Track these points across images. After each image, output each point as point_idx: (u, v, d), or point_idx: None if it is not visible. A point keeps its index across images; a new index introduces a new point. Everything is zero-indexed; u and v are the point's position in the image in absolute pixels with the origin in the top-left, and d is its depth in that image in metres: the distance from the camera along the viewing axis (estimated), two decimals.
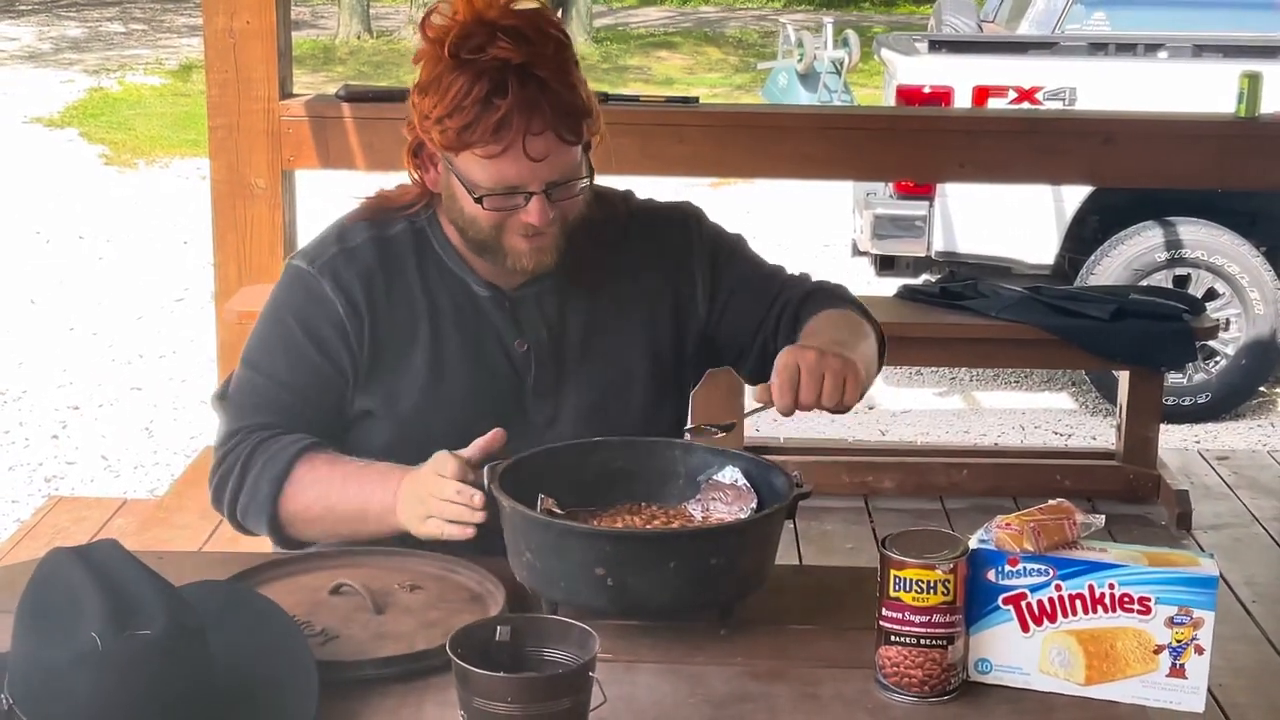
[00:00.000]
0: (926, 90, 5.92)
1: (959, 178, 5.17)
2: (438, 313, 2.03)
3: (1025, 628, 1.67)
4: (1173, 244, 5.83)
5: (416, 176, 2.04)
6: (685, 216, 2.16)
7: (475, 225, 1.97)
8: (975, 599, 1.67)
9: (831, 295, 2.14)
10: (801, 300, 2.11)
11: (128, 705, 1.43)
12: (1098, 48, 6.53)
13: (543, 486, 1.82)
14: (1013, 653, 1.68)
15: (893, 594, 1.65)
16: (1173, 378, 5.53)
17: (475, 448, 1.87)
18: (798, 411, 1.88)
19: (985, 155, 4.41)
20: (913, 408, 6.07)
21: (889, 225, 6.05)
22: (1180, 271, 5.85)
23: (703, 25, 19.98)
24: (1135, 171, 4.52)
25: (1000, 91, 5.87)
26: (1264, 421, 5.99)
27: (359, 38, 17.38)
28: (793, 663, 1.74)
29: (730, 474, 1.91)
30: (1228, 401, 5.94)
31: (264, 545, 2.10)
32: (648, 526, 1.85)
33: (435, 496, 1.86)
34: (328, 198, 7.86)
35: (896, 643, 1.65)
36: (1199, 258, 5.83)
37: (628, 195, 2.17)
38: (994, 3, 8.52)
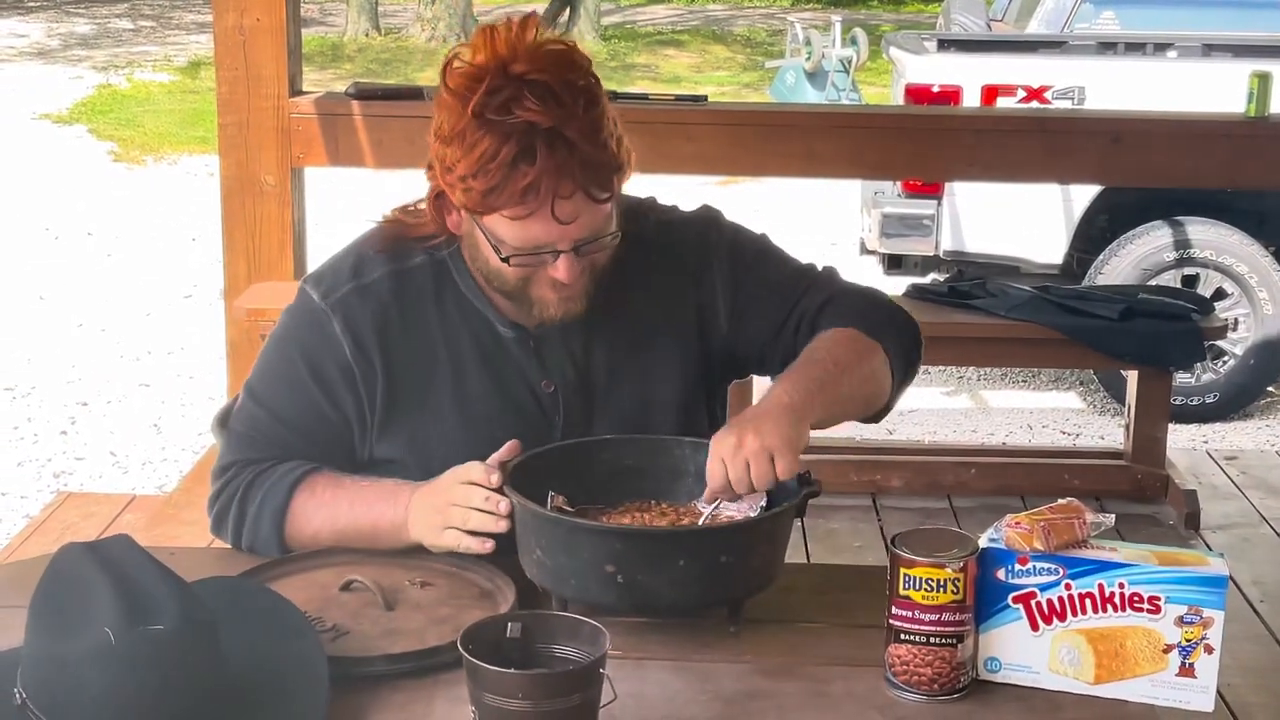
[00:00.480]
0: (935, 89, 5.92)
1: (967, 177, 5.17)
2: (460, 352, 1.97)
3: (1035, 626, 1.67)
4: (1181, 244, 5.82)
5: (439, 220, 1.95)
6: (704, 225, 2.08)
7: (500, 278, 1.90)
8: (985, 598, 1.67)
9: (848, 306, 2.04)
10: (819, 310, 2.02)
11: (140, 699, 1.43)
12: (1107, 47, 6.53)
13: (553, 484, 1.83)
14: (1022, 651, 1.68)
15: (902, 592, 1.65)
16: (1181, 377, 5.52)
17: (494, 460, 1.85)
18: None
19: (994, 154, 4.41)
20: (920, 407, 6.07)
21: (897, 224, 6.05)
22: (1189, 271, 5.85)
23: (710, 23, 19.98)
24: (1144, 171, 4.53)
25: (1009, 90, 5.86)
26: (1272, 421, 5.99)
27: (367, 35, 17.39)
28: (803, 660, 1.75)
29: None
30: (1236, 401, 5.93)
31: None
32: (658, 524, 1.86)
33: (459, 505, 1.84)
34: (337, 195, 7.87)
35: (906, 641, 1.66)
36: (1208, 258, 5.83)
37: (649, 207, 2.07)
38: (1003, 2, 8.51)
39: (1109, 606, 1.65)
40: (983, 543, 1.68)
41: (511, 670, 1.50)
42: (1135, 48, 6.48)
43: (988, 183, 5.50)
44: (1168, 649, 1.65)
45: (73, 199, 9.67)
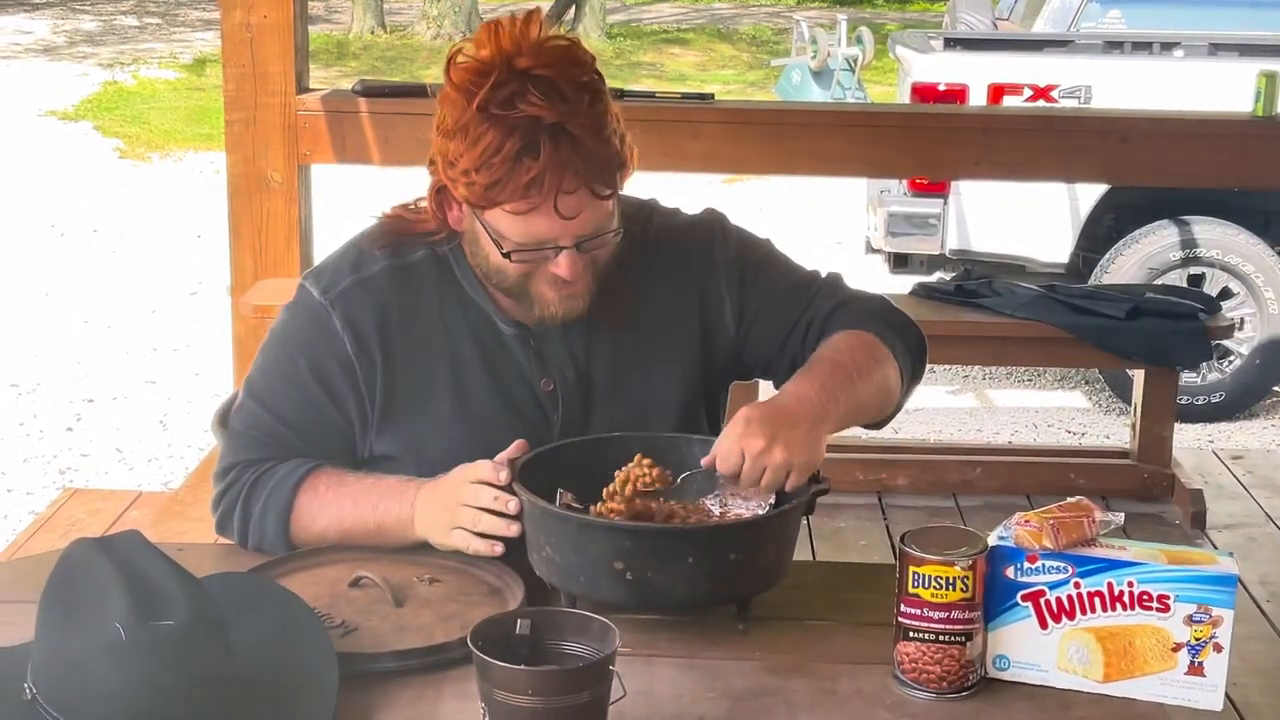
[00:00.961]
0: (941, 88, 5.92)
1: (974, 175, 5.17)
2: (460, 349, 1.96)
3: (1044, 624, 1.67)
4: (1188, 243, 5.82)
5: (440, 215, 1.95)
6: (709, 230, 2.07)
7: (502, 274, 1.90)
8: (994, 595, 1.67)
9: (858, 311, 2.03)
10: (829, 315, 2.02)
11: (150, 695, 1.44)
12: (1113, 46, 6.52)
13: (561, 481, 1.83)
14: (1031, 649, 1.68)
15: (911, 590, 1.65)
16: (1187, 377, 5.52)
17: (503, 458, 1.84)
18: None
19: (1000, 153, 4.40)
20: (926, 406, 6.07)
21: (903, 223, 6.04)
22: (1195, 271, 5.84)
23: (716, 22, 19.97)
24: (1150, 170, 4.52)
25: (1015, 89, 5.86)
26: (1278, 421, 5.98)
27: (372, 33, 17.40)
28: (811, 658, 1.75)
29: None
30: (1242, 401, 5.93)
31: None
32: (666, 522, 1.86)
33: (468, 504, 1.84)
34: (343, 192, 7.87)
35: (915, 639, 1.66)
36: (1214, 257, 5.82)
37: (652, 210, 2.07)
38: (1009, 0, 8.51)
39: (1118, 605, 1.65)
40: (992, 541, 1.68)
41: (521, 667, 1.50)
42: (1142, 47, 6.48)
43: (994, 182, 5.49)
44: (1177, 648, 1.65)
45: (78, 196, 9.68)
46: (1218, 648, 1.65)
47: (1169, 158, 4.41)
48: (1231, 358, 5.88)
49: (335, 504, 1.94)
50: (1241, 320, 5.75)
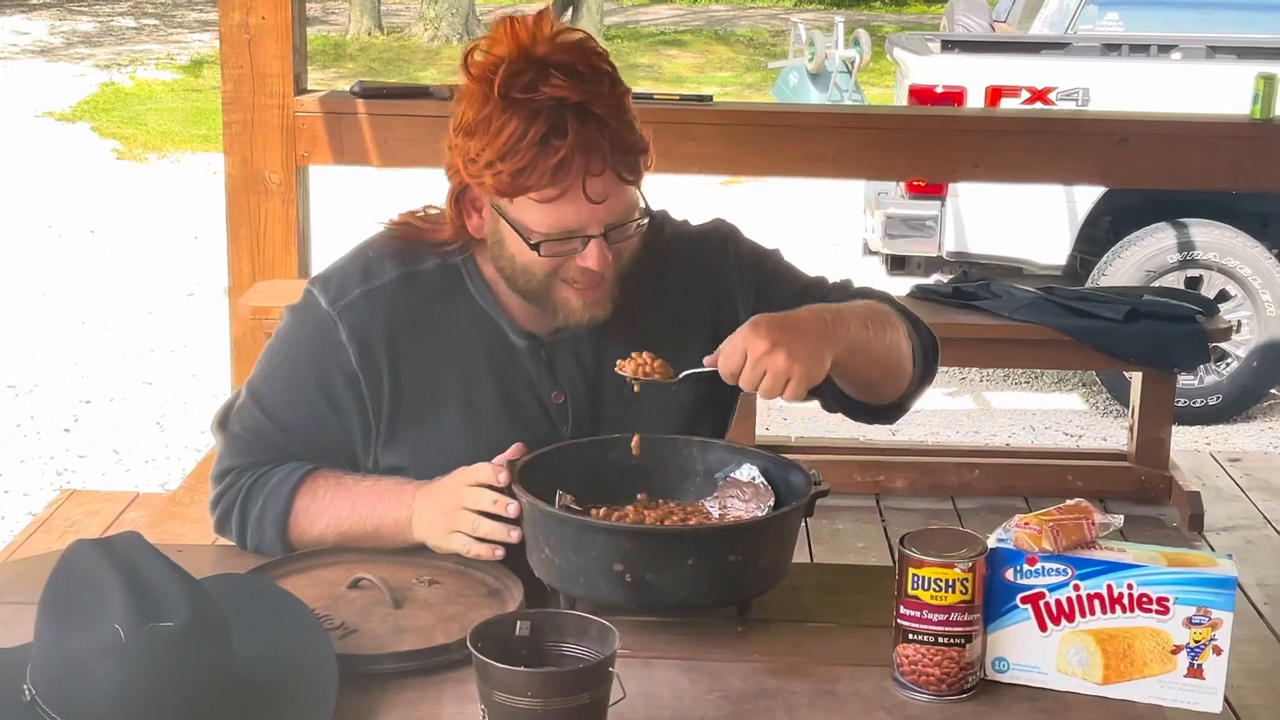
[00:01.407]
0: (939, 90, 5.92)
1: (971, 178, 5.17)
2: (469, 360, 1.94)
3: (1043, 627, 1.68)
4: (1185, 245, 5.82)
5: (459, 223, 1.92)
6: (722, 240, 2.06)
7: (528, 274, 1.87)
8: (993, 598, 1.67)
9: (872, 298, 2.05)
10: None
11: (150, 696, 1.44)
12: (1111, 48, 6.53)
13: (561, 483, 1.83)
14: (1030, 652, 1.68)
15: (911, 592, 1.65)
16: (1184, 379, 5.52)
17: (502, 460, 1.84)
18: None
19: (998, 155, 4.41)
20: (924, 408, 6.04)
21: (900, 225, 6.05)
22: (1192, 273, 5.85)
23: (713, 24, 19.98)
24: (1148, 172, 4.53)
25: (1013, 92, 5.87)
26: (1276, 423, 5.99)
27: (370, 34, 17.40)
28: (810, 660, 1.75)
29: (748, 471, 1.91)
30: (1239, 403, 5.94)
31: None
32: (665, 523, 1.86)
33: (466, 508, 1.84)
34: (341, 193, 7.87)
35: (914, 641, 1.66)
36: (1211, 259, 5.83)
37: (663, 220, 2.04)
38: (1006, 3, 8.51)
39: (1117, 607, 1.65)
40: (991, 543, 1.68)
41: (521, 668, 1.50)
42: (1139, 49, 6.49)
43: (991, 184, 5.50)
44: (1176, 650, 1.65)
45: (76, 197, 9.68)
46: (1217, 650, 1.65)
47: (1166, 160, 4.42)
48: (1229, 360, 5.89)
49: (333, 507, 1.93)
50: (1239, 323, 5.75)
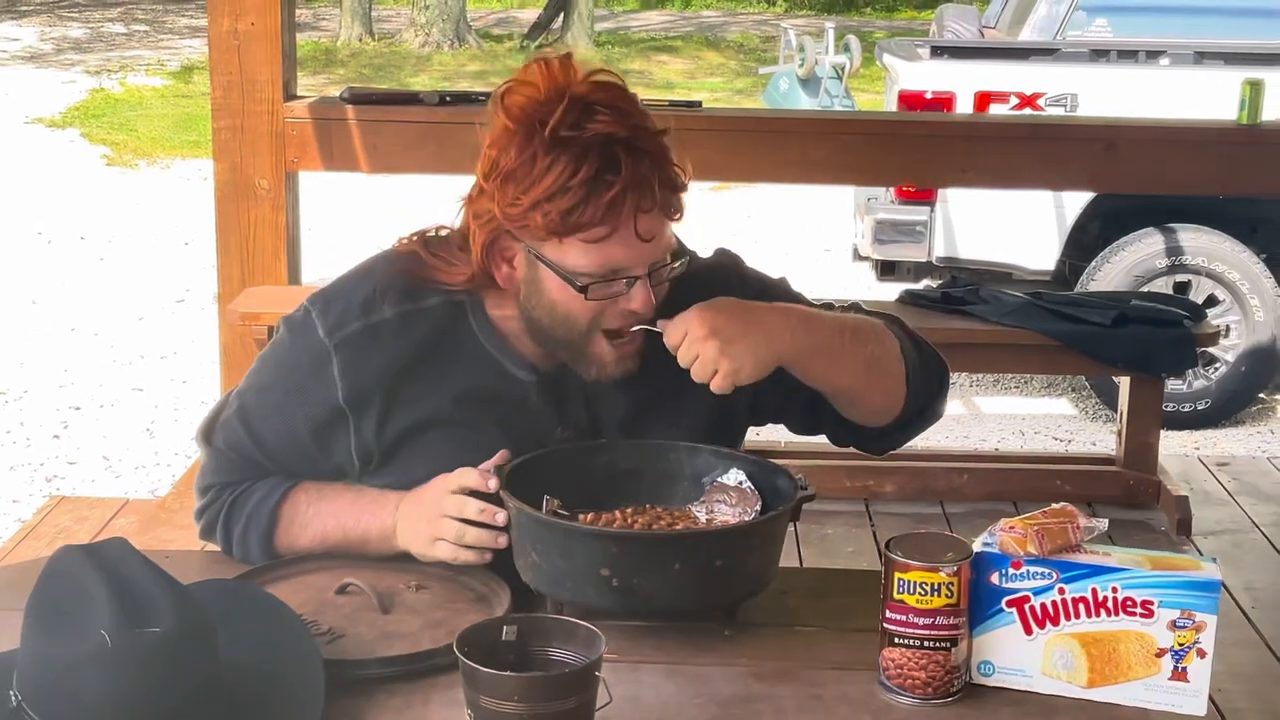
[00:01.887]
0: (928, 96, 5.93)
1: (960, 183, 5.18)
2: (469, 398, 1.91)
3: (1028, 630, 1.68)
4: (1173, 250, 5.84)
5: (486, 271, 1.87)
6: (727, 274, 2.01)
7: (569, 323, 1.83)
8: (979, 601, 1.68)
9: (875, 317, 2.01)
10: None
11: (137, 703, 1.44)
12: (1099, 54, 6.54)
13: (548, 488, 1.83)
14: (1016, 655, 1.69)
15: (897, 596, 1.65)
16: (1173, 384, 5.54)
17: (487, 466, 1.83)
18: None
19: (987, 161, 4.42)
20: None
21: (890, 230, 6.05)
22: (1181, 278, 5.86)
23: (704, 29, 20.00)
24: (1136, 178, 4.54)
25: (1002, 97, 5.88)
26: (1263, 428, 6.00)
27: (360, 40, 17.39)
28: (797, 664, 1.75)
29: (735, 476, 1.91)
30: (1228, 408, 5.95)
31: None
32: (652, 528, 1.86)
33: (451, 516, 1.83)
34: (331, 199, 7.87)
35: (900, 644, 1.66)
36: (1200, 264, 5.84)
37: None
38: (996, 8, 8.52)
39: (1102, 611, 1.66)
40: (977, 547, 1.69)
41: (507, 673, 1.51)
42: (1128, 55, 6.50)
43: (980, 189, 5.51)
44: (1160, 653, 1.66)
45: (65, 203, 9.66)
46: (1201, 653, 1.65)
47: (1155, 165, 4.43)
48: (1217, 365, 5.90)
49: (317, 521, 1.93)
50: (1227, 327, 5.77)
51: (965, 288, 4.71)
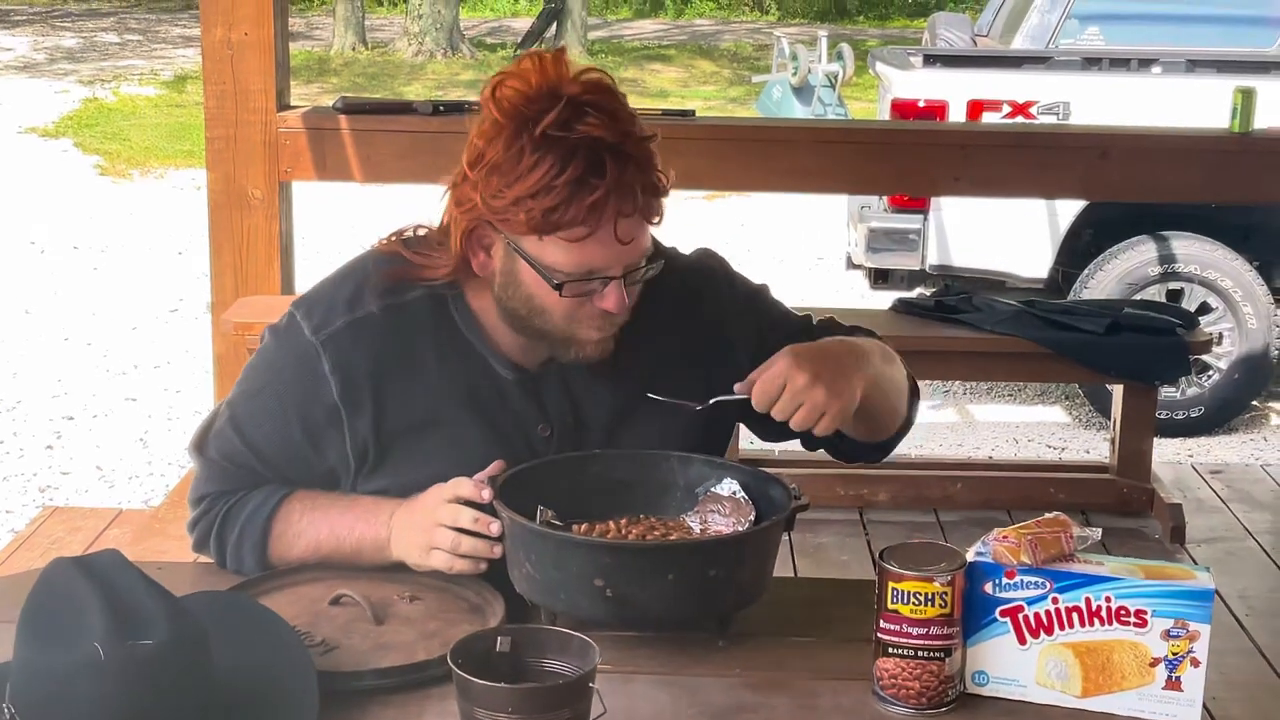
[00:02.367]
0: (921, 104, 5.94)
1: (953, 191, 5.19)
2: (454, 392, 1.92)
3: (1022, 640, 1.68)
4: (1166, 258, 5.85)
5: (464, 259, 1.88)
6: (714, 276, 2.06)
7: (544, 316, 1.85)
8: (972, 611, 1.68)
9: (864, 334, 2.07)
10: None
11: (130, 715, 1.43)
12: (1092, 62, 6.56)
13: (542, 498, 1.83)
14: (1009, 665, 1.69)
15: (890, 606, 1.65)
16: (1166, 392, 5.54)
17: (482, 477, 1.83)
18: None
19: (980, 169, 4.42)
20: None
21: (883, 239, 6.06)
22: (1174, 286, 5.87)
23: (697, 38, 20.02)
24: (1129, 186, 4.55)
25: (995, 106, 5.89)
26: (1257, 435, 6.01)
27: (354, 49, 17.41)
28: (791, 674, 1.75)
29: (728, 486, 1.91)
30: (1221, 415, 5.96)
31: None
32: (646, 538, 1.86)
33: (445, 525, 1.83)
34: (324, 209, 7.87)
35: (894, 654, 1.66)
36: (1192, 272, 5.85)
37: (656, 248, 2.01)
38: (988, 17, 8.54)
39: (1096, 620, 1.66)
40: (970, 556, 1.69)
41: (501, 684, 1.50)
42: (1120, 63, 6.52)
43: (973, 197, 5.52)
44: (1154, 662, 1.66)
45: (59, 213, 9.66)
46: (1195, 662, 1.65)
47: (1147, 173, 4.44)
48: (1210, 373, 5.91)
49: (311, 531, 1.93)
50: (1220, 335, 5.78)
51: (958, 296, 4.72)
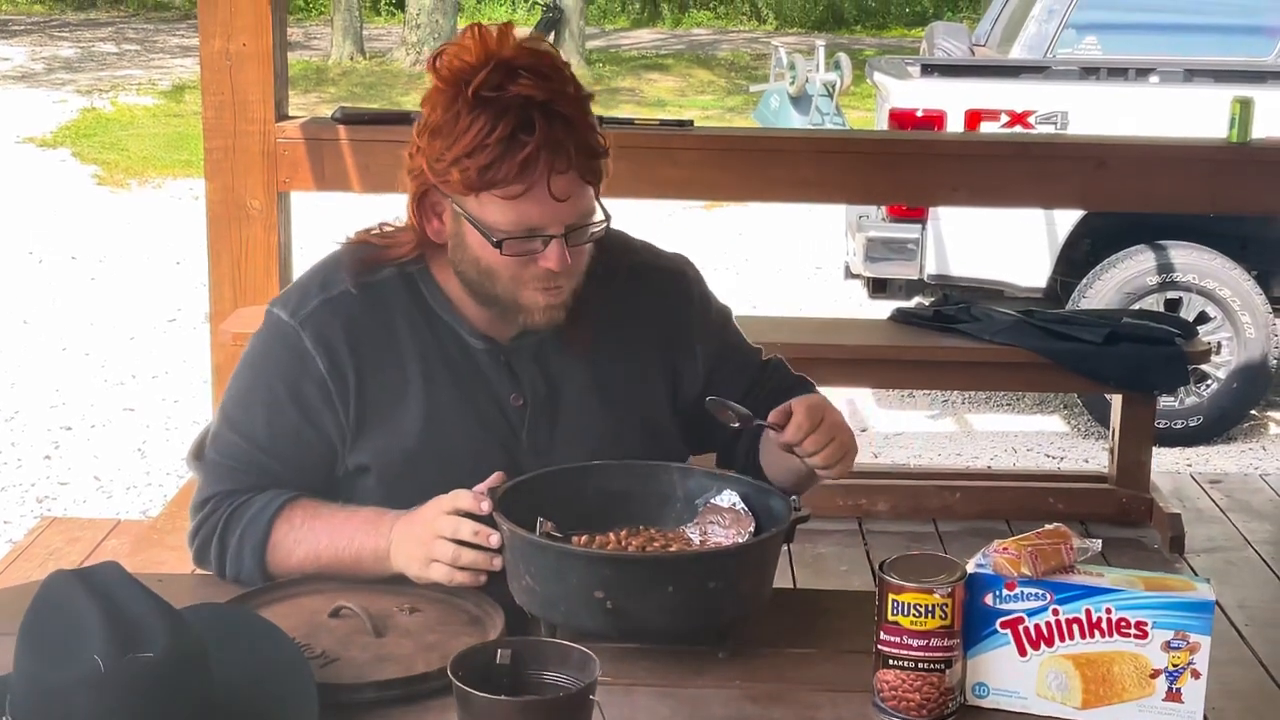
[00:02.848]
0: (919, 114, 5.95)
1: (951, 201, 5.19)
2: (429, 365, 1.97)
3: (1022, 651, 1.68)
4: (1164, 268, 5.85)
5: (419, 228, 1.96)
6: (687, 284, 2.12)
7: (490, 276, 1.91)
8: (973, 623, 1.68)
9: (808, 386, 2.14)
10: (793, 386, 2.10)
11: None
12: (1089, 72, 6.57)
13: (542, 510, 1.83)
14: (1010, 677, 1.69)
15: (891, 618, 1.65)
16: (1165, 401, 5.54)
17: (482, 489, 1.84)
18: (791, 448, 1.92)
19: (977, 179, 4.43)
20: (905, 430, 6.09)
21: (881, 248, 6.06)
22: (1172, 295, 5.87)
23: (695, 48, 20.05)
24: (1127, 195, 4.55)
25: (992, 115, 5.90)
26: (1255, 445, 6.01)
27: (352, 59, 17.42)
28: (791, 686, 1.75)
29: (728, 498, 1.91)
30: (1219, 425, 5.96)
31: None
32: (646, 550, 1.86)
33: (446, 537, 1.84)
34: (323, 220, 7.86)
35: (894, 666, 1.66)
36: (1190, 281, 5.86)
37: (626, 243, 2.09)
38: (986, 27, 8.55)
39: (1096, 632, 1.66)
40: (970, 568, 1.69)
41: (501, 697, 1.50)
42: (1118, 73, 6.53)
43: (972, 207, 5.52)
44: (1155, 674, 1.66)
45: (57, 222, 9.66)
46: (1195, 674, 1.65)
47: (1145, 183, 4.44)
48: (1209, 382, 5.91)
49: (311, 538, 1.94)
50: (1218, 344, 5.78)
51: (957, 305, 4.72)
